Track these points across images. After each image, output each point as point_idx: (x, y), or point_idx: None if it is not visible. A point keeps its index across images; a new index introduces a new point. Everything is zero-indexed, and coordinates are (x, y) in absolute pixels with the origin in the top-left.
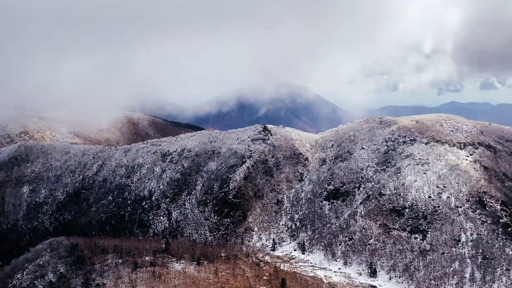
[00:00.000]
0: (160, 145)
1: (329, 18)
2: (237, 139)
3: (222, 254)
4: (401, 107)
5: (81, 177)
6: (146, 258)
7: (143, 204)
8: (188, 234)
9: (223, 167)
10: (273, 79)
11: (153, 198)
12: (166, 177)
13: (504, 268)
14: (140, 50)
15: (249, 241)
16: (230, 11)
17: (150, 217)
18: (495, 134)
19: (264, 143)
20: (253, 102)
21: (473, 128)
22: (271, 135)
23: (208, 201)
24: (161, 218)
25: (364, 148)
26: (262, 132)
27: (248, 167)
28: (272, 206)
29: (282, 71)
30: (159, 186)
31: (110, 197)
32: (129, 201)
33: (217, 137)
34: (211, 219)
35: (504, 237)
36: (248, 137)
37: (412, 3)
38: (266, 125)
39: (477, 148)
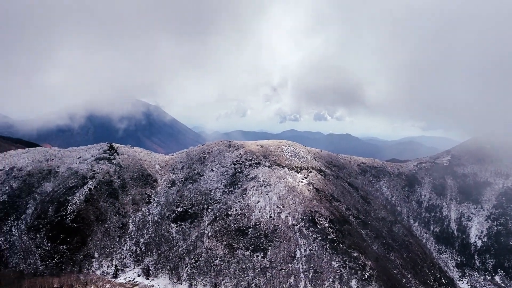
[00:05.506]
0: None
1: (190, 42)
2: (79, 158)
3: (55, 285)
4: (248, 132)
5: None
6: None
7: None
8: (13, 265)
9: (60, 188)
10: (127, 97)
11: None
12: None
13: (331, 280)
14: None
15: (88, 269)
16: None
17: None
18: (325, 160)
19: (109, 163)
20: (104, 120)
21: (308, 154)
22: (118, 154)
23: (41, 226)
24: None
25: (213, 170)
26: (108, 151)
27: (90, 189)
28: (115, 231)
29: (137, 89)
30: None
31: None
32: None
33: (54, 155)
34: (44, 247)
35: (331, 252)
36: (92, 156)
37: (266, 38)
38: (113, 143)
39: (310, 172)
